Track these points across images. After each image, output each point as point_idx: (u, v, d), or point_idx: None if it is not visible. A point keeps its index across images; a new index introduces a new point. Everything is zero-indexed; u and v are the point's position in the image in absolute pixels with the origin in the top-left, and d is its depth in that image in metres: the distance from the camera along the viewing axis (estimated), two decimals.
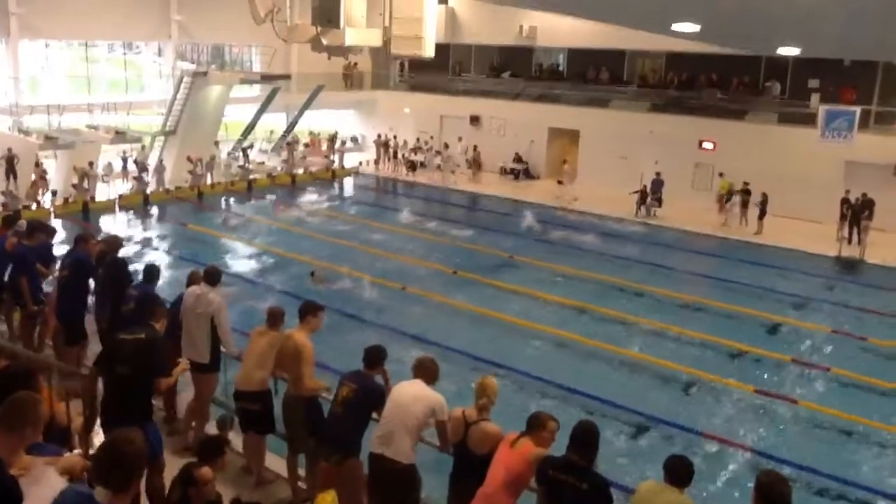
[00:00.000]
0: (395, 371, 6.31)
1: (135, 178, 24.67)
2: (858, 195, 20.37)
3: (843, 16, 7.82)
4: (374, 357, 6.09)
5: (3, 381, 4.59)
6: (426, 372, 5.72)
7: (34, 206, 21.19)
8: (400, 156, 30.20)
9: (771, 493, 4.02)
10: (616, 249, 19.38)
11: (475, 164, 28.56)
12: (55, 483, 3.62)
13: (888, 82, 23.13)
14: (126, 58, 30.80)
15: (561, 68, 31.29)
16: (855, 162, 21.86)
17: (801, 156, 22.70)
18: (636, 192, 23.46)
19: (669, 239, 21.06)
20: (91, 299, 8.99)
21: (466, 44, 32.54)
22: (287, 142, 30.20)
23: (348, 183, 29.13)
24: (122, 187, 24.71)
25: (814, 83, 24.19)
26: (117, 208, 22.93)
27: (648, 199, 23.39)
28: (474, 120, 30.36)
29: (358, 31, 7.75)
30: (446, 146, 29.14)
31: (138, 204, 23.33)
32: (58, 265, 9.31)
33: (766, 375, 12.34)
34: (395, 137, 30.60)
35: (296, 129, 32.12)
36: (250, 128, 30.41)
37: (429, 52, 7.78)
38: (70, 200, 22.20)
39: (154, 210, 23.15)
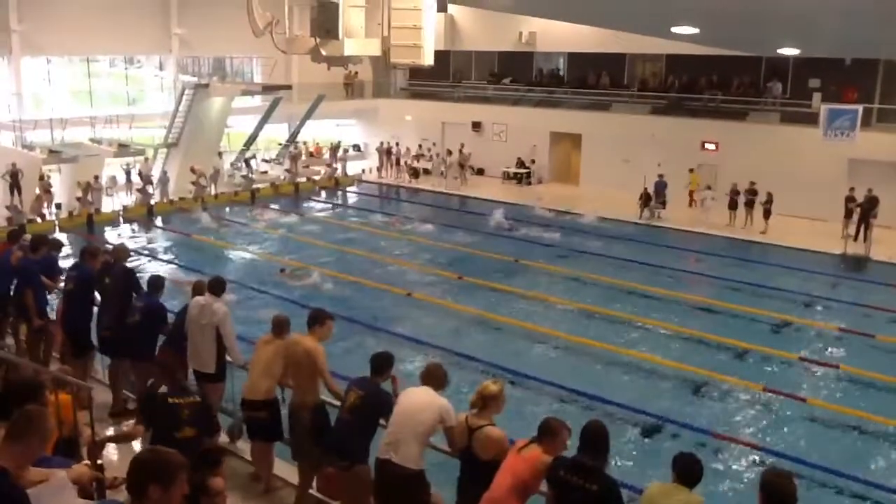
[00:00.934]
0: (403, 377, 6.32)
1: (138, 190, 24.78)
2: (864, 193, 20.30)
3: (839, 16, 7.84)
4: (382, 363, 6.09)
5: (11, 394, 4.61)
6: (434, 379, 5.71)
7: (39, 220, 21.30)
8: (403, 163, 30.27)
9: (776, 491, 4.01)
10: (621, 252, 19.37)
11: (460, 168, 28.61)
12: (72, 500, 3.65)
13: (889, 80, 23.12)
14: (128, 72, 30.99)
15: (561, 73, 31.34)
16: (858, 160, 21.84)
17: (804, 155, 22.69)
18: (641, 197, 23.51)
19: (674, 240, 21.04)
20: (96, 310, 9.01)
21: (466, 51, 32.64)
22: (290, 151, 30.30)
23: (352, 191, 29.20)
24: (127, 199, 24.82)
25: (815, 83, 24.18)
26: (121, 220, 23.04)
27: (652, 202, 23.39)
28: (476, 126, 30.42)
29: (357, 42, 7.79)
30: (449, 153, 29.21)
31: (142, 215, 23.43)
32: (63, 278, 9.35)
33: (774, 374, 12.31)
34: (397, 145, 30.68)
35: (298, 138, 32.22)
36: (252, 138, 30.52)
37: (428, 60, 7.80)
38: (74, 214, 22.31)
39: (158, 221, 23.23)
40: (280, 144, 32.19)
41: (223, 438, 7.82)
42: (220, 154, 28.58)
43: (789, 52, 16.60)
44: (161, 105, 29.62)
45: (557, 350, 13.38)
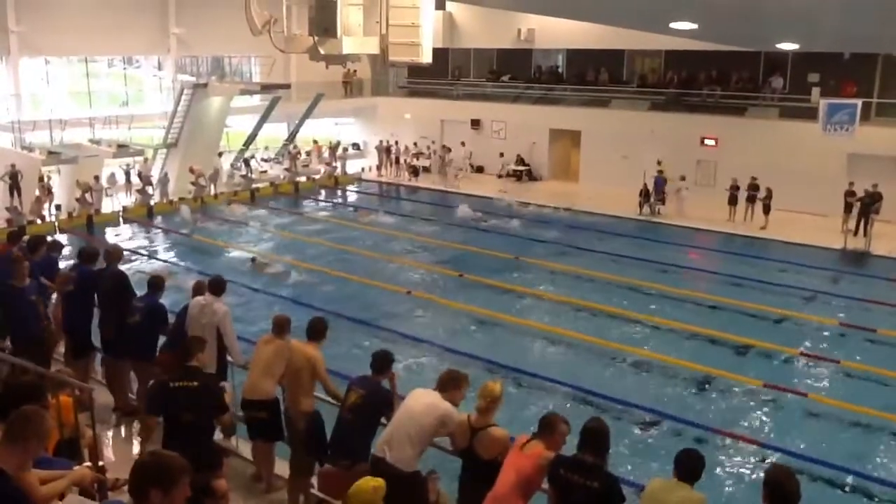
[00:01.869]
0: (404, 376, 6.32)
1: (138, 190, 24.78)
2: (866, 188, 20.28)
3: (838, 10, 7.83)
4: (382, 362, 6.10)
5: (11, 396, 4.61)
6: (445, 384, 5.63)
7: (39, 221, 21.30)
8: (402, 161, 30.27)
9: (780, 488, 4.02)
10: (621, 248, 19.38)
11: (441, 165, 28.77)
12: None
13: (888, 74, 23.10)
14: (126, 72, 30.97)
15: (560, 70, 31.31)
16: (858, 154, 21.83)
17: (803, 150, 22.68)
18: (641, 193, 23.53)
19: (674, 236, 21.04)
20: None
21: (465, 48, 32.61)
22: (289, 150, 30.29)
23: (351, 189, 29.20)
24: (126, 200, 24.82)
25: (814, 77, 24.16)
26: (121, 221, 23.04)
27: (652, 198, 23.39)
28: (475, 124, 30.40)
29: (355, 40, 7.77)
30: (448, 150, 29.20)
31: (142, 216, 23.44)
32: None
33: (775, 369, 12.31)
34: (396, 143, 30.66)
35: (297, 137, 32.21)
36: (252, 138, 30.51)
37: (426, 57, 7.79)
38: (74, 214, 22.32)
39: (158, 221, 23.24)
40: (283, 144, 32.17)
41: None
42: (220, 154, 28.57)
43: (788, 47, 16.57)
44: (160, 105, 29.60)
45: (557, 347, 13.39)
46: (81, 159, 23.08)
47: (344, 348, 12.03)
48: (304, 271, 17.56)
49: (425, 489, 5.64)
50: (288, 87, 29.73)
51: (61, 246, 10.67)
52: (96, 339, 8.83)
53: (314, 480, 6.75)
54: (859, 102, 21.35)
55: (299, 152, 30.75)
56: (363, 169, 30.97)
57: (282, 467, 7.16)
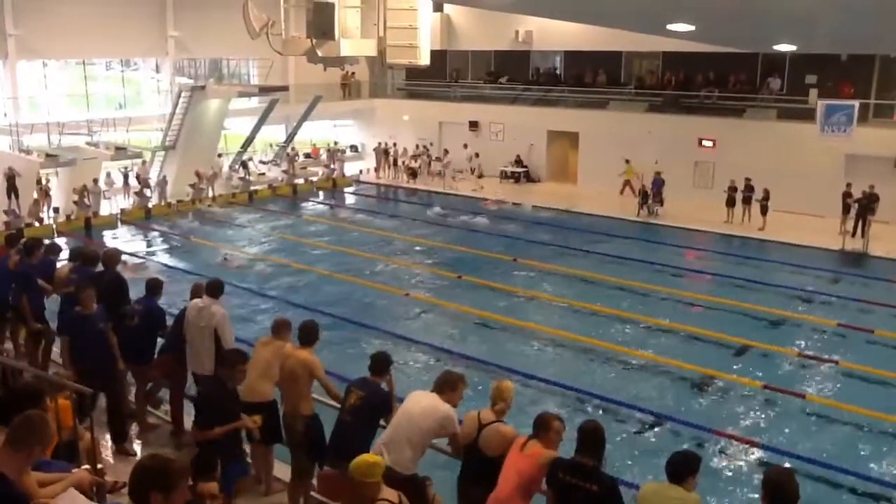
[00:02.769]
0: (401, 379, 6.32)
1: (136, 193, 24.76)
2: (863, 189, 20.31)
3: (836, 12, 7.85)
4: (381, 363, 6.10)
5: (11, 400, 4.61)
6: (444, 386, 5.63)
7: (37, 224, 21.28)
8: (400, 163, 30.26)
9: (779, 489, 4.02)
10: (619, 249, 19.39)
11: (429, 168, 29.02)
12: None
13: (885, 75, 23.14)
14: (124, 75, 30.95)
15: (558, 71, 31.33)
16: (855, 155, 21.85)
17: (801, 151, 22.71)
18: (639, 194, 23.58)
19: (672, 237, 21.06)
20: None
21: (463, 50, 32.62)
22: (287, 153, 30.29)
23: (349, 191, 29.19)
24: (124, 202, 24.79)
25: (811, 79, 24.18)
26: (119, 223, 23.02)
27: (650, 199, 23.41)
28: (473, 125, 30.41)
29: (353, 42, 7.80)
30: (446, 152, 29.20)
31: (140, 218, 23.43)
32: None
33: (773, 370, 12.32)
34: (394, 145, 30.67)
35: (295, 139, 32.19)
36: (249, 140, 30.49)
37: (424, 59, 7.82)
38: (72, 217, 22.30)
39: (156, 224, 23.22)
40: (272, 145, 32.15)
41: None
42: (220, 156, 28.58)
43: (785, 48, 16.59)
44: (158, 108, 29.58)
45: (555, 348, 13.39)
46: (79, 162, 23.06)
47: (342, 350, 12.03)
48: (302, 273, 17.57)
49: (424, 492, 5.63)
50: (286, 89, 29.72)
51: (59, 248, 10.66)
52: None
53: (314, 483, 6.74)
54: (857, 103, 21.38)
55: (297, 154, 30.73)
56: (361, 171, 30.97)
57: (281, 470, 7.15)
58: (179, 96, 25.85)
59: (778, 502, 4.04)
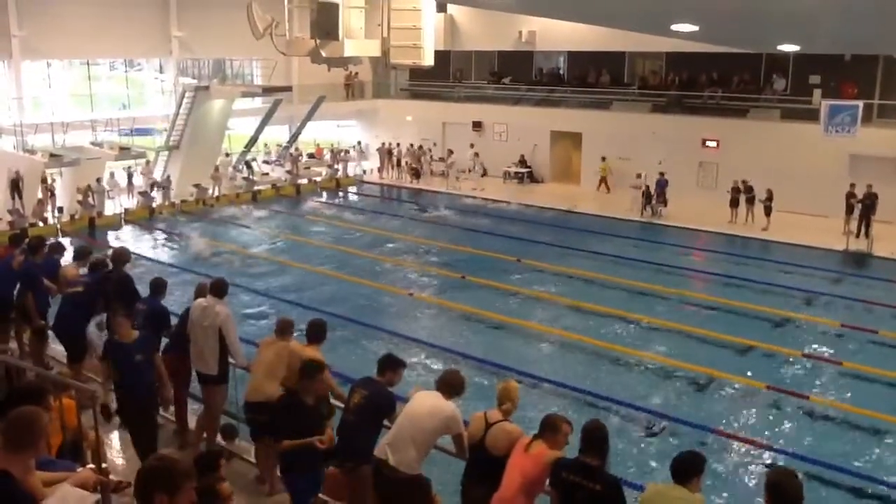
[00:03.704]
0: (405, 379, 6.33)
1: (140, 193, 24.83)
2: (865, 189, 20.28)
3: (840, 12, 7.84)
4: (386, 364, 6.12)
5: (15, 399, 4.61)
6: (448, 385, 5.66)
7: (41, 224, 21.34)
8: (403, 163, 30.28)
9: (782, 490, 4.01)
10: (623, 250, 19.38)
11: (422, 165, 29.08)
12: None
13: (889, 75, 23.08)
14: (128, 75, 31.00)
15: (561, 72, 31.29)
16: (859, 155, 21.81)
17: (805, 151, 22.66)
18: (640, 190, 23.58)
19: (676, 238, 21.04)
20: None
21: (466, 50, 32.62)
22: (290, 153, 30.33)
23: (353, 191, 29.22)
24: (128, 202, 24.85)
25: (815, 79, 24.13)
26: (123, 223, 23.08)
27: (653, 199, 23.39)
28: (477, 126, 30.41)
29: (357, 43, 7.80)
30: (450, 152, 29.21)
31: (144, 218, 23.48)
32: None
33: (777, 371, 12.31)
34: (398, 145, 30.68)
35: (299, 139, 32.24)
36: (253, 140, 30.54)
37: (428, 60, 7.82)
38: (76, 217, 22.36)
39: (160, 224, 23.27)
40: (278, 146, 32.18)
41: (220, 440, 7.88)
42: (227, 156, 28.64)
43: (789, 48, 16.56)
44: (162, 108, 29.63)
45: (559, 348, 13.39)
46: (83, 162, 23.12)
47: (345, 350, 12.05)
48: (305, 273, 17.59)
49: (428, 492, 5.64)
50: (289, 89, 29.76)
51: (63, 248, 10.69)
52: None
53: None
54: (860, 104, 21.32)
55: (301, 154, 30.77)
56: (364, 171, 30.99)
57: None
58: (183, 96, 25.90)
59: (781, 503, 4.04)
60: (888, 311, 14.96)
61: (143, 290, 8.48)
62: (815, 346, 13.41)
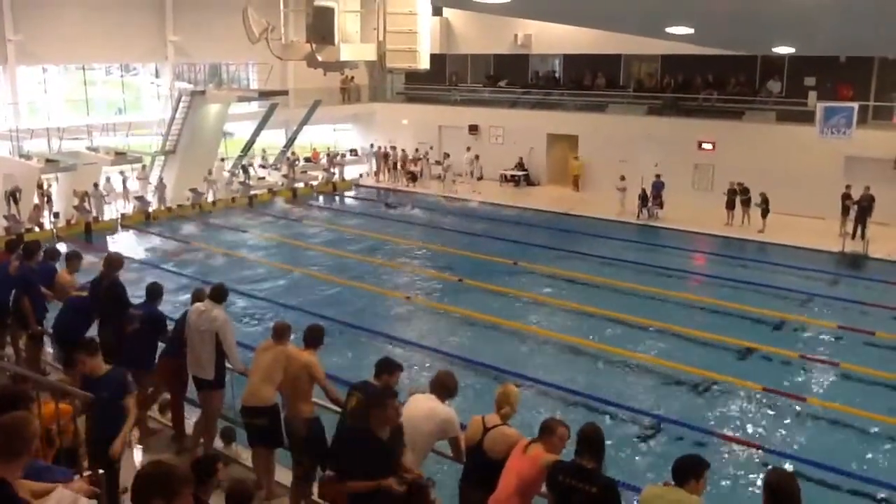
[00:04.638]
0: (402, 382, 6.32)
1: (136, 197, 24.79)
2: (861, 191, 20.32)
3: (835, 14, 7.86)
4: (383, 367, 6.11)
5: None
6: (442, 387, 5.67)
7: (37, 229, 21.28)
8: (399, 167, 30.27)
9: (780, 491, 4.01)
10: (620, 252, 19.39)
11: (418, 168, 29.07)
12: None
13: (884, 77, 23.15)
14: (123, 80, 30.97)
15: (557, 75, 31.34)
16: (855, 157, 21.85)
17: (800, 153, 22.70)
18: (624, 192, 23.69)
19: (673, 240, 21.06)
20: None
21: (462, 54, 32.65)
22: (287, 157, 30.31)
23: (349, 195, 29.21)
24: (124, 207, 24.80)
25: (810, 81, 24.20)
26: (119, 228, 23.04)
27: (650, 202, 23.42)
28: (473, 129, 30.43)
29: (352, 47, 7.79)
30: (447, 156, 29.20)
31: (140, 223, 23.44)
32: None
33: (774, 373, 12.32)
34: (394, 149, 30.68)
35: (295, 143, 32.21)
36: (249, 144, 30.51)
37: (423, 63, 7.81)
38: (72, 222, 22.31)
39: (157, 229, 23.23)
40: (281, 151, 32.16)
41: (217, 443, 7.85)
42: (223, 160, 28.60)
43: (784, 50, 16.61)
44: (158, 112, 29.60)
45: (556, 351, 13.40)
46: (80, 167, 23.07)
47: (343, 354, 12.04)
48: (302, 276, 17.58)
49: (426, 495, 5.63)
50: (286, 93, 29.71)
51: (59, 253, 10.66)
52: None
53: (315, 487, 6.74)
54: (856, 105, 21.37)
55: (297, 158, 30.75)
56: (360, 175, 30.99)
57: (282, 474, 7.15)
58: (179, 101, 25.87)
59: None
60: (885, 312, 14.98)
61: (140, 294, 8.45)
62: (812, 347, 13.43)
